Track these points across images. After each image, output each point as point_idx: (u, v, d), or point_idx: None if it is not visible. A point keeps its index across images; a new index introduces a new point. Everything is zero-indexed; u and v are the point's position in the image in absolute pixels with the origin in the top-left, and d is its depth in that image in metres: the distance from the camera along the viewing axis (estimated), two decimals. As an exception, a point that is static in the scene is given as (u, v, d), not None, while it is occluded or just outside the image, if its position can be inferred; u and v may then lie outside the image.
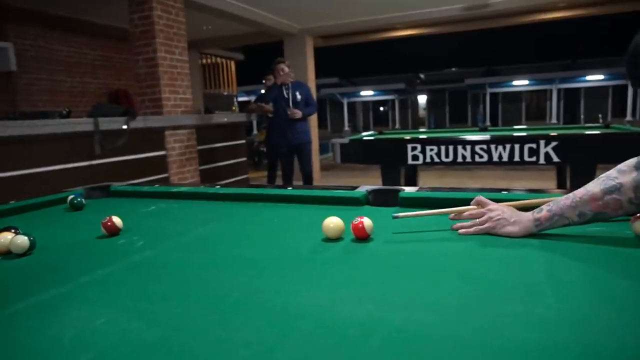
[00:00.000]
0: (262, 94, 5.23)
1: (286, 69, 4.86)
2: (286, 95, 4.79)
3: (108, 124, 3.60)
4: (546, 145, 3.83)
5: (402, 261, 0.96)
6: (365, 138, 5.05)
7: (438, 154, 4.24)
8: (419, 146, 4.33)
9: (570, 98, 18.80)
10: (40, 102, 5.93)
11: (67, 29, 6.27)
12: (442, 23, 7.58)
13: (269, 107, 4.94)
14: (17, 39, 5.60)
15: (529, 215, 1.07)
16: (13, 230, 1.20)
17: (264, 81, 5.97)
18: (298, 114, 4.76)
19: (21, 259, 1.12)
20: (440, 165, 4.47)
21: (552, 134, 3.93)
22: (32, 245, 1.15)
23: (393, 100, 20.39)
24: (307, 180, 5.01)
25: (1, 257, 1.14)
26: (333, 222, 1.13)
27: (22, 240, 1.13)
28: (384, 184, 4.83)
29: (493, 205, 1.13)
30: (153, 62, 4.40)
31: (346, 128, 19.10)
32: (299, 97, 4.84)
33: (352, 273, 0.91)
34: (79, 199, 1.69)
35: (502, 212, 1.09)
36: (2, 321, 0.76)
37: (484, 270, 0.89)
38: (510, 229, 1.07)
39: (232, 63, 10.56)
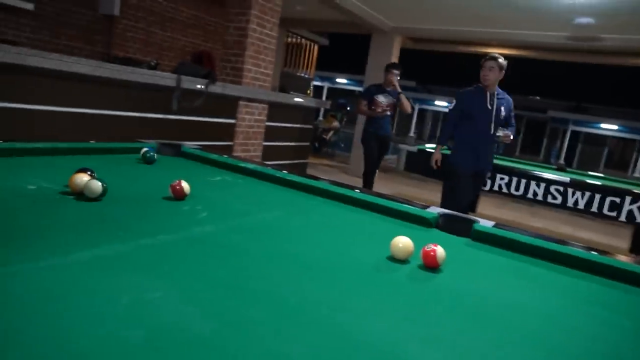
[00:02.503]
0: (369, 90, 4.95)
1: (395, 79, 4.72)
2: (489, 106, 3.47)
3: (189, 83, 3.68)
4: (632, 202, 3.50)
5: (474, 306, 0.87)
6: (430, 150, 4.88)
7: (508, 185, 4.01)
8: (489, 172, 4.12)
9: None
10: (132, 50, 6.22)
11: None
12: (542, 48, 7.13)
13: (382, 110, 4.77)
14: (123, -15, 5.88)
15: None
16: (89, 173, 1.22)
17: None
18: (509, 137, 3.56)
19: (92, 203, 1.14)
20: (504, 196, 4.23)
21: (639, 191, 3.60)
22: (104, 192, 1.16)
23: (466, 116, 19.69)
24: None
25: (74, 196, 1.16)
26: (403, 243, 1.05)
27: (96, 185, 1.14)
28: (442, 202, 4.65)
29: None
30: (243, 31, 4.45)
31: (411, 134, 18.71)
32: (503, 112, 3.56)
33: (418, 307, 0.83)
34: (151, 154, 1.72)
35: None
36: (65, 269, 0.76)
37: (567, 341, 0.78)
38: None
39: (316, 47, 10.56)
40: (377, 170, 5.06)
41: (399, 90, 4.75)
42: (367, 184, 4.94)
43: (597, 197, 3.60)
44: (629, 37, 5.77)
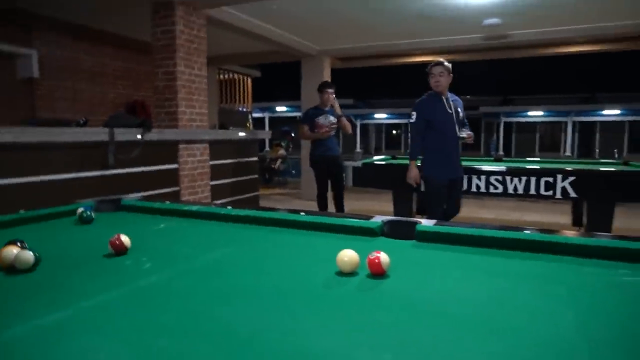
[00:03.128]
0: (308, 113, 4.96)
1: (332, 97, 4.76)
2: (449, 110, 3.49)
3: (123, 135, 3.61)
4: (563, 180, 3.75)
5: (421, 305, 0.91)
6: (377, 162, 5.02)
7: (452, 183, 4.18)
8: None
9: (586, 131, 18.64)
10: (59, 110, 6.01)
11: (91, 39, 6.39)
12: (461, 51, 7.58)
13: (325, 131, 4.75)
14: (42, 47, 5.71)
15: None
16: (19, 244, 1.17)
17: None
18: (471, 137, 3.60)
19: (24, 274, 1.09)
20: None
21: (569, 168, 3.86)
22: (37, 262, 1.12)
23: (407, 124, 20.41)
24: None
25: (4, 271, 1.11)
26: (348, 256, 1.08)
27: (27, 256, 1.10)
28: (395, 210, 4.77)
29: None
30: (172, 75, 4.44)
31: (358, 149, 19.10)
32: (461, 113, 3.59)
33: (367, 314, 0.85)
34: (88, 213, 1.67)
35: None
36: (1, 347, 0.72)
37: (510, 321, 0.83)
38: None
39: (249, 79, 10.66)
40: (342, 192, 4.99)
41: (340, 113, 4.83)
42: (321, 206, 4.95)
43: (533, 180, 3.83)
44: (533, 31, 6.28)
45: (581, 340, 0.75)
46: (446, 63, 3.46)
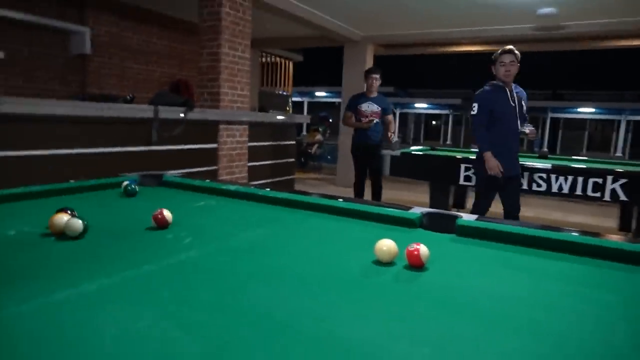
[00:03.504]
0: (352, 100, 4.92)
1: (376, 84, 4.70)
2: (513, 103, 3.31)
3: (167, 113, 3.70)
4: (614, 181, 3.56)
5: (461, 300, 0.88)
6: (415, 153, 4.93)
7: (493, 178, 4.05)
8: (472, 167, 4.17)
9: (640, 131, 17.60)
10: (107, 86, 6.22)
11: (139, 19, 6.55)
12: (510, 41, 7.27)
13: (367, 121, 4.72)
14: (94, 25, 5.90)
15: None
16: (69, 212, 1.22)
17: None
18: (534, 133, 3.45)
19: (73, 241, 1.13)
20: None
21: (620, 170, 3.66)
22: (85, 230, 1.16)
23: (447, 115, 19.93)
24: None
25: (55, 237, 1.16)
26: (387, 246, 1.06)
27: (77, 224, 1.14)
28: (431, 202, 4.68)
29: None
30: (216, 56, 4.49)
31: (396, 139, 18.85)
32: (524, 107, 3.44)
33: (405, 306, 0.84)
34: (132, 186, 1.72)
35: None
36: (50, 308, 0.76)
37: (556, 325, 0.79)
38: None
39: (291, 63, 10.67)
40: (381, 181, 4.96)
41: (392, 129, 4.82)
42: (358, 194, 4.93)
43: (580, 180, 3.66)
44: (591, 22, 5.93)
45: (633, 353, 0.70)
46: (517, 51, 3.23)
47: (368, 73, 4.78)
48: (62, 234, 1.15)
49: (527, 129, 3.37)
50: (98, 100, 3.40)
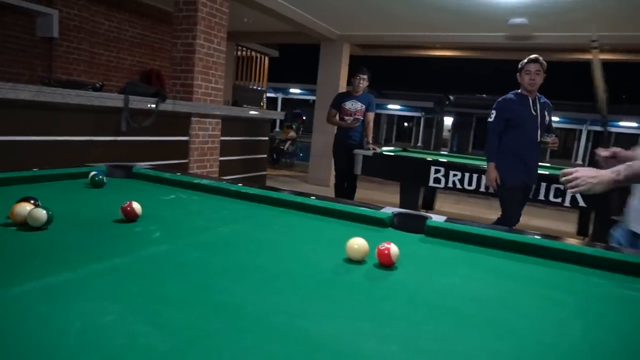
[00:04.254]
0: (337, 98, 4.91)
1: (363, 84, 4.67)
2: (534, 112, 3.32)
3: (137, 102, 3.60)
4: (574, 188, 3.71)
5: (429, 299, 0.91)
6: (387, 153, 4.99)
7: (461, 181, 4.16)
8: (442, 169, 4.26)
9: (600, 141, 18.40)
10: (76, 72, 6.01)
11: (111, 4, 6.35)
12: (482, 48, 7.48)
13: (351, 122, 4.70)
14: (62, 7, 5.68)
15: (607, 173, 1.43)
16: (32, 202, 1.17)
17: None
18: (556, 143, 3.41)
19: (36, 232, 1.10)
20: (459, 192, 4.38)
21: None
22: (49, 220, 1.12)
23: (419, 118, 20.28)
24: None
25: (17, 227, 1.11)
26: (358, 244, 1.07)
27: (40, 213, 1.10)
28: (401, 202, 4.75)
29: (579, 173, 1.47)
30: (191, 47, 4.41)
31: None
32: (547, 117, 3.42)
33: (375, 304, 0.85)
34: (100, 177, 1.68)
35: (586, 177, 1.43)
36: (10, 301, 0.73)
37: (518, 322, 0.82)
38: (596, 188, 1.44)
39: (266, 59, 10.59)
40: (355, 181, 5.00)
41: (370, 135, 4.83)
42: (338, 193, 4.94)
43: (543, 185, 3.79)
44: (560, 35, 6.15)
45: (586, 349, 0.74)
46: (542, 60, 3.21)
47: (355, 72, 4.78)
48: (24, 224, 1.11)
49: (549, 138, 3.35)
50: (65, 86, 3.28)
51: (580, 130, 17.06)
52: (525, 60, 3.25)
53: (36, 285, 0.80)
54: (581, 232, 4.86)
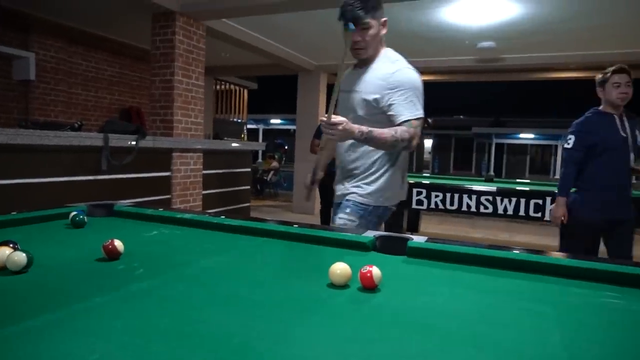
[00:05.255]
0: (319, 128, 4.83)
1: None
2: (624, 133, 2.73)
3: (117, 140, 3.61)
4: (552, 202, 3.81)
5: (412, 318, 0.92)
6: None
7: (443, 201, 4.22)
8: (424, 191, 4.32)
9: (575, 156, 18.87)
10: (53, 113, 5.99)
11: (88, 44, 6.41)
12: (455, 72, 7.73)
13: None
14: (39, 50, 5.71)
15: (356, 129, 1.79)
16: (12, 245, 1.16)
17: None
18: None
19: (16, 276, 1.08)
20: (442, 212, 4.44)
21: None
22: (29, 263, 1.11)
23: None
24: None
25: (-4, 272, 1.10)
26: (340, 269, 1.09)
27: (20, 257, 1.09)
28: (386, 226, 4.79)
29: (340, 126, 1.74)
30: (169, 84, 4.46)
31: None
32: (638, 138, 2.83)
33: (359, 327, 0.87)
34: (81, 217, 1.67)
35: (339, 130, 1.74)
36: (-10, 346, 0.72)
37: (497, 337, 0.84)
38: (343, 138, 1.83)
39: (245, 91, 10.73)
40: None
41: None
42: (324, 220, 4.95)
43: (523, 201, 3.89)
44: (527, 56, 6.42)
45: (564, 354, 0.76)
46: (627, 67, 2.71)
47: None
48: (4, 269, 1.10)
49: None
50: (43, 127, 3.27)
51: (556, 146, 17.53)
52: (609, 71, 2.72)
53: (19, 328, 0.79)
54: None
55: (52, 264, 1.19)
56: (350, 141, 2.02)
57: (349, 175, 2.15)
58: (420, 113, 1.93)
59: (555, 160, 17.56)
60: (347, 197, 2.11)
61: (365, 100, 1.98)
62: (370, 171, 2.07)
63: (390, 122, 1.91)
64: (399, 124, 1.89)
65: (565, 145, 2.84)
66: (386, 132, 1.86)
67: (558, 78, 7.48)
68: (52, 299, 0.96)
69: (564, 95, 19.30)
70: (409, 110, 1.90)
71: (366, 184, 2.08)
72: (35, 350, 0.71)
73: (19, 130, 3.00)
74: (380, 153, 2.05)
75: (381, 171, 2.07)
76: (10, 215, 1.64)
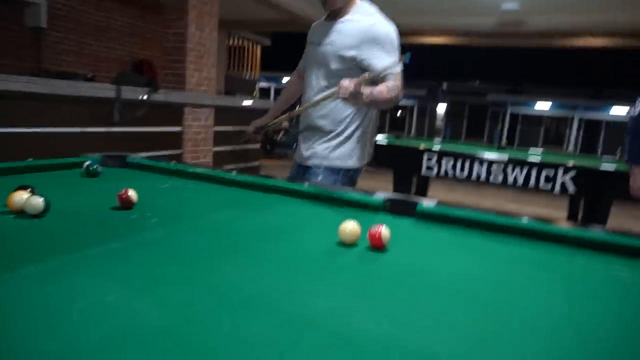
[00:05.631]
0: None
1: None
2: None
3: (130, 93, 3.60)
4: (564, 174, 3.77)
5: (419, 279, 0.94)
6: (380, 142, 5.01)
7: (453, 168, 4.20)
8: (434, 157, 4.29)
9: (591, 128, 18.55)
10: (65, 63, 5.94)
11: (100, -8, 6.28)
12: (473, 34, 7.49)
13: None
14: (50, -4, 5.62)
15: (368, 91, 1.65)
16: (29, 190, 1.19)
17: None
18: None
19: (33, 220, 1.11)
20: (451, 179, 4.43)
21: (571, 163, 3.87)
22: (47, 208, 1.14)
23: (412, 107, 20.30)
24: None
25: (14, 215, 1.13)
26: (350, 228, 1.10)
27: (37, 201, 1.12)
28: (394, 190, 4.80)
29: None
30: (182, 37, 4.39)
31: (361, 128, 19.00)
32: None
33: (367, 283, 0.89)
34: (95, 166, 1.69)
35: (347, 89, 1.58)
36: (13, 284, 0.76)
37: (505, 298, 0.86)
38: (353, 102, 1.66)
39: (259, 47, 10.52)
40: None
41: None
42: None
43: (534, 172, 3.85)
44: (552, 19, 6.17)
45: (568, 325, 0.78)
46: None
47: None
48: (22, 212, 1.13)
49: None
50: (56, 77, 3.26)
51: (572, 118, 17.18)
52: None
53: (38, 267, 0.83)
54: (571, 217, 4.93)
55: (67, 211, 1.22)
56: (318, 92, 1.94)
57: (316, 132, 2.04)
58: (400, 66, 1.85)
59: (570, 133, 17.24)
60: (316, 163, 2.03)
61: (341, 56, 1.89)
62: (339, 130, 1.99)
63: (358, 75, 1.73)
64: (383, 79, 1.79)
65: (631, 114, 2.72)
66: (384, 91, 1.77)
67: (580, 46, 7.22)
68: (69, 243, 0.99)
69: (585, 65, 18.70)
70: (392, 64, 1.80)
71: (336, 145, 2.00)
72: (54, 289, 0.74)
73: (33, 78, 2.99)
74: (350, 109, 1.96)
75: (351, 129, 2.00)
76: (27, 162, 1.67)
